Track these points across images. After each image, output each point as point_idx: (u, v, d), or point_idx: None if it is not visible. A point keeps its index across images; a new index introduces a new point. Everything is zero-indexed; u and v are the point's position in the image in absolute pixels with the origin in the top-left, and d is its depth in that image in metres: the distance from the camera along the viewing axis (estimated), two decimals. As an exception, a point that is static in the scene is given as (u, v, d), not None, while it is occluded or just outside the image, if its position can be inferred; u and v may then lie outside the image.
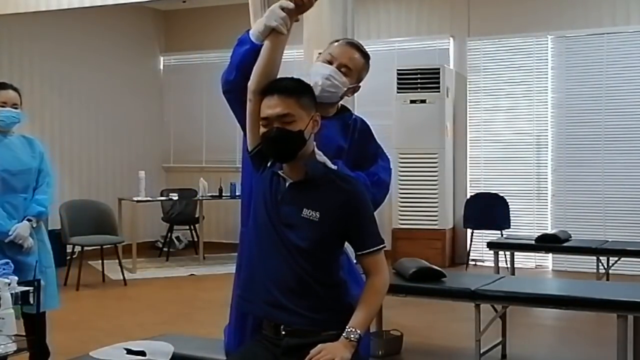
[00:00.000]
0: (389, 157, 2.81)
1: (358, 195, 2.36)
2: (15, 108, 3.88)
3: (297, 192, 2.35)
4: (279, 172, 2.38)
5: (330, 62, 2.63)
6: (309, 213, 2.32)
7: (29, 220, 3.88)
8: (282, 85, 2.32)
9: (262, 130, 2.33)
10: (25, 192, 3.92)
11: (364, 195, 2.39)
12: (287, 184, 2.36)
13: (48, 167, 4.05)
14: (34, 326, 3.73)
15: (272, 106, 2.30)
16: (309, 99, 2.34)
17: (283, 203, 2.35)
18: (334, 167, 2.40)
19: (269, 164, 2.40)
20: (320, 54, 2.75)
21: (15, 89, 3.94)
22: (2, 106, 3.85)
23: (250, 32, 2.47)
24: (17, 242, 3.81)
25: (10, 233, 3.79)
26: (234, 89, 2.49)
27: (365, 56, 2.69)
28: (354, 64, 2.64)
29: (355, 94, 2.82)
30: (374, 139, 2.77)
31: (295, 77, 2.41)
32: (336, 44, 2.70)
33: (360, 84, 2.73)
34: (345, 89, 2.64)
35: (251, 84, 2.38)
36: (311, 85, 2.45)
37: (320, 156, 2.39)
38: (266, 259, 2.37)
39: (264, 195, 2.39)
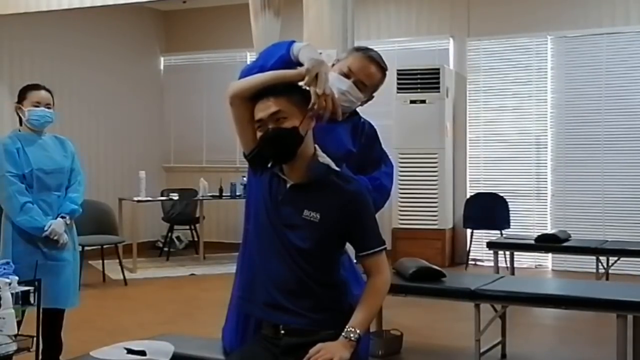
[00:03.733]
0: (393, 163, 2.81)
1: (359, 196, 2.36)
2: (49, 108, 3.97)
3: (298, 193, 2.35)
4: (279, 173, 2.38)
5: (347, 76, 2.62)
6: (310, 214, 2.32)
7: (62, 217, 3.97)
8: (271, 87, 2.33)
9: (259, 133, 2.34)
10: (58, 190, 4.01)
11: (365, 195, 2.38)
12: (287, 185, 2.36)
13: (79, 166, 4.14)
14: (52, 322, 3.93)
15: (264, 108, 2.31)
16: (300, 96, 2.33)
17: (283, 204, 2.35)
18: (337, 168, 2.40)
19: (269, 165, 2.40)
20: (338, 60, 2.73)
21: (47, 90, 4.04)
22: (36, 106, 3.93)
23: (295, 45, 2.40)
24: (52, 238, 3.90)
25: (45, 229, 3.87)
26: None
27: (383, 70, 2.69)
28: (370, 81, 2.66)
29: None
30: (379, 143, 2.77)
31: None
32: (356, 54, 2.68)
33: (374, 94, 2.74)
34: (359, 103, 2.67)
35: (233, 89, 2.38)
36: None
37: (324, 158, 2.39)
38: (266, 260, 2.37)
39: (263, 197, 2.39)
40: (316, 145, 2.39)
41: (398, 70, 8.39)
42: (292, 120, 2.29)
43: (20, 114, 3.96)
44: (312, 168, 2.35)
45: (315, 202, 2.33)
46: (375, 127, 2.81)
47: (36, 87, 4.03)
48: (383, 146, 2.81)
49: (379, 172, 2.71)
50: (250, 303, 2.44)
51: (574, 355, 5.01)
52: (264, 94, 2.33)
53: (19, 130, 3.99)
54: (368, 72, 2.65)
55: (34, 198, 3.90)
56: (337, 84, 2.57)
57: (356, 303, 2.34)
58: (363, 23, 8.73)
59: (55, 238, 3.91)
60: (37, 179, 3.92)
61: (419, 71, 8.42)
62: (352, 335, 2.26)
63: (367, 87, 2.66)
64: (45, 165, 3.94)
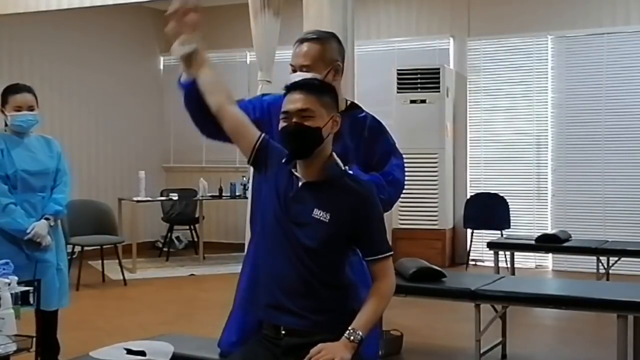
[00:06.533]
0: (402, 154, 2.76)
1: (369, 200, 2.35)
2: (32, 110, 3.93)
3: (310, 191, 2.35)
4: (293, 170, 2.38)
5: (294, 70, 2.60)
6: (320, 213, 2.31)
7: (46, 218, 3.94)
8: (305, 82, 2.34)
9: (282, 124, 2.34)
10: (43, 191, 3.99)
11: (376, 199, 2.38)
12: (300, 183, 2.36)
13: (65, 166, 4.11)
14: (46, 323, 3.90)
15: (293, 101, 2.31)
16: (331, 98, 2.35)
17: (294, 201, 2.35)
18: (350, 172, 2.40)
19: (283, 161, 2.39)
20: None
21: (29, 91, 3.97)
22: (18, 110, 3.89)
23: (181, 79, 2.50)
24: (35, 240, 3.88)
25: (28, 231, 3.85)
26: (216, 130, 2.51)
27: (320, 39, 2.61)
28: (310, 57, 2.57)
29: (355, 94, 2.80)
30: (386, 136, 2.71)
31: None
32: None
33: (339, 62, 2.62)
34: (321, 79, 2.52)
35: (212, 106, 2.49)
36: None
37: (339, 162, 2.38)
38: (271, 258, 2.37)
39: (271, 193, 2.38)
40: (333, 152, 2.38)
41: (398, 70, 8.38)
42: (318, 121, 2.30)
43: (4, 118, 3.92)
44: (327, 168, 2.35)
45: (326, 202, 2.32)
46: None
47: (16, 90, 3.96)
48: (391, 138, 2.75)
49: (390, 166, 2.66)
50: (253, 304, 2.44)
51: (574, 356, 5.00)
52: (297, 86, 2.34)
53: (5, 131, 3.96)
54: (300, 52, 2.59)
55: (18, 199, 3.88)
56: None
57: (360, 306, 2.33)
58: (363, 23, 8.71)
59: (38, 240, 3.88)
60: (22, 180, 3.90)
61: (419, 71, 8.41)
62: (354, 336, 2.25)
63: (312, 63, 2.56)
64: (29, 166, 3.92)
